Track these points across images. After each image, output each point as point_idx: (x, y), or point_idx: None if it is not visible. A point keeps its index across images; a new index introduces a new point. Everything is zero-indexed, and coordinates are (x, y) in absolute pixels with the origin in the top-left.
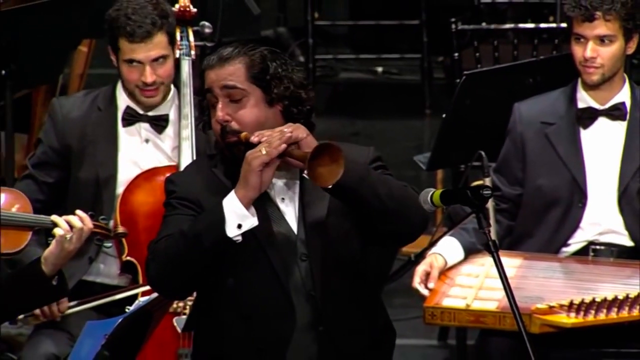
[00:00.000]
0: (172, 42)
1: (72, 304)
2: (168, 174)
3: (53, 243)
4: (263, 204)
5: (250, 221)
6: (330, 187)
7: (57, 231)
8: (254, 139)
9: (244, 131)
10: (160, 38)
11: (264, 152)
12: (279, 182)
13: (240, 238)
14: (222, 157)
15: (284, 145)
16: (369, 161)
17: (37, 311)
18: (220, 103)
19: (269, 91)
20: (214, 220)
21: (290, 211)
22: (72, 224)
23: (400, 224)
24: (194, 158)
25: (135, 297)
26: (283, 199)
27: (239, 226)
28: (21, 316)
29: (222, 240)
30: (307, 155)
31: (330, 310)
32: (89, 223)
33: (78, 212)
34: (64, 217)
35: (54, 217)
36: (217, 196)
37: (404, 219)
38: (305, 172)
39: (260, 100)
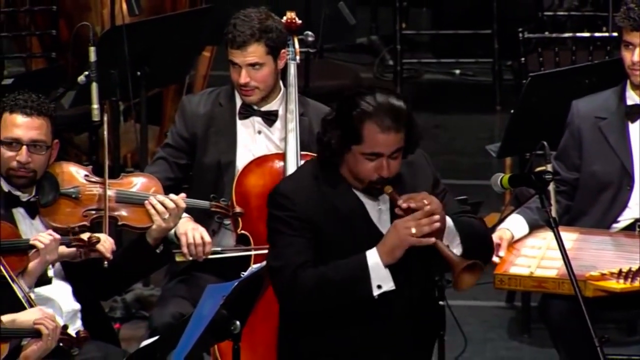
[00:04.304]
0: (272, 53)
1: (216, 249)
2: (276, 160)
3: None
4: (364, 221)
5: (390, 284)
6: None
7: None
8: (402, 204)
9: (390, 181)
10: (256, 48)
11: (413, 231)
12: (376, 206)
13: (377, 296)
14: (328, 179)
15: (433, 239)
16: (436, 177)
17: (185, 250)
18: (387, 162)
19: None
20: (359, 277)
21: (384, 223)
22: (166, 205)
23: (483, 258)
24: (298, 147)
25: (248, 262)
26: (379, 211)
27: (379, 286)
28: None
29: (366, 296)
30: (459, 267)
31: (421, 307)
32: (182, 203)
33: (171, 195)
34: (158, 199)
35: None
36: (334, 220)
37: (483, 256)
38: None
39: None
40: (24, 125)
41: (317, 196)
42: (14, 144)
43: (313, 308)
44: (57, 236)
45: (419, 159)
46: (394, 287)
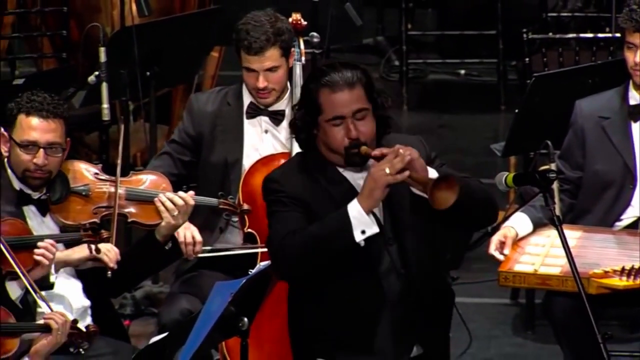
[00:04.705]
0: (285, 54)
1: (206, 248)
2: (282, 159)
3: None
4: (352, 197)
5: (373, 229)
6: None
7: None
8: (375, 153)
9: (364, 143)
10: (272, 52)
11: (387, 171)
12: (361, 177)
13: (363, 242)
14: (314, 161)
15: (407, 172)
16: (431, 158)
17: None
18: (352, 123)
19: (376, 104)
20: (342, 226)
21: None
22: (175, 203)
23: (482, 217)
24: None
25: (255, 260)
26: None
27: (363, 232)
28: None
29: (350, 244)
30: (430, 182)
31: (419, 282)
32: (191, 201)
33: (180, 193)
34: (168, 196)
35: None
36: (322, 198)
37: (486, 212)
38: (426, 194)
39: (371, 114)
40: (40, 128)
41: (304, 178)
42: (31, 146)
43: (304, 267)
44: (55, 251)
45: (414, 143)
46: (377, 231)
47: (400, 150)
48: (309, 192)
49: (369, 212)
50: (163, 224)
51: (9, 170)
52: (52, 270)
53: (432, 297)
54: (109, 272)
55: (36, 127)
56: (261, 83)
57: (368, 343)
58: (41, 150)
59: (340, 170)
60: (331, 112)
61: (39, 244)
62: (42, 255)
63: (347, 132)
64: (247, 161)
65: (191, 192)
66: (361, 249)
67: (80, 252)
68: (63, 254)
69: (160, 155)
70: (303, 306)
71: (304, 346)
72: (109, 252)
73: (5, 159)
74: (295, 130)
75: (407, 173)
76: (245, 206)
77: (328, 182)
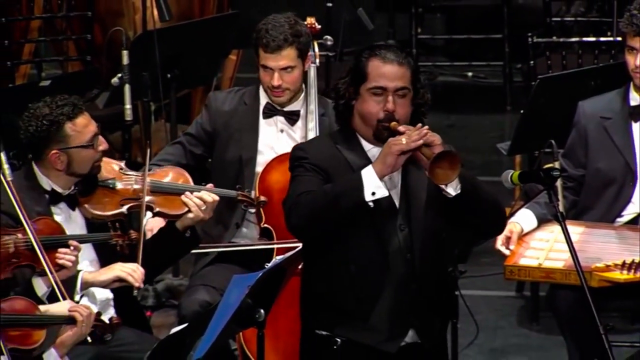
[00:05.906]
0: (301, 56)
1: (222, 244)
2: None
3: None
4: None
5: (383, 191)
6: (454, 194)
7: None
8: (401, 128)
9: (397, 120)
10: (289, 52)
11: (403, 141)
12: None
13: (372, 204)
14: (342, 136)
15: (420, 142)
16: None
17: None
18: (392, 97)
19: (417, 93)
20: (354, 185)
21: (393, 187)
22: (204, 200)
23: (488, 219)
24: None
25: (271, 254)
26: (390, 177)
27: (373, 193)
28: None
29: (359, 202)
30: (433, 155)
31: (423, 270)
32: (217, 197)
33: (206, 192)
34: (196, 194)
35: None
36: (343, 169)
37: (491, 214)
38: (426, 170)
39: (411, 99)
40: (91, 122)
41: (329, 149)
42: (94, 139)
43: (315, 223)
44: (77, 252)
45: None
46: (387, 194)
47: (423, 129)
48: (330, 163)
49: (382, 177)
50: (191, 215)
51: (38, 174)
52: (78, 289)
53: (434, 287)
54: (135, 291)
55: (88, 123)
56: (276, 81)
57: (365, 319)
58: (99, 137)
59: (367, 148)
60: (375, 82)
61: (60, 249)
62: (63, 259)
63: (384, 105)
64: (262, 159)
65: (210, 185)
66: (375, 228)
67: (107, 274)
68: (90, 275)
69: (174, 144)
70: (312, 277)
71: (309, 317)
72: (135, 273)
73: (39, 172)
74: (336, 97)
75: (420, 142)
76: (262, 198)
77: (351, 156)
